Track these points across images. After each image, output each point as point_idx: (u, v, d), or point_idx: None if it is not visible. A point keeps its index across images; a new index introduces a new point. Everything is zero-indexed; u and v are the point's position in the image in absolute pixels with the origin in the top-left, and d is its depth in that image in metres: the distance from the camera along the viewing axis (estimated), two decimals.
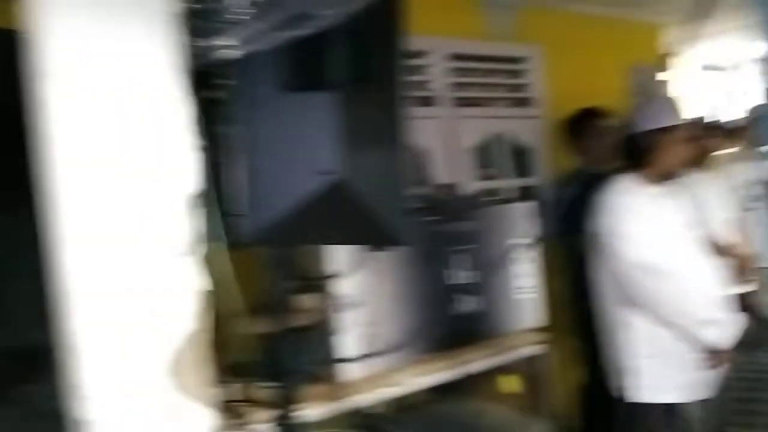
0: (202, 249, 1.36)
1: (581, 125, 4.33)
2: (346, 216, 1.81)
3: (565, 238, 3.86)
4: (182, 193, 1.29)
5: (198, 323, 1.35)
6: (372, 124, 1.84)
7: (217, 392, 1.35)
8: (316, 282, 2.42)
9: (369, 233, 1.85)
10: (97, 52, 1.21)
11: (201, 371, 1.36)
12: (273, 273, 2.04)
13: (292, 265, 2.18)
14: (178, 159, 1.30)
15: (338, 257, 2.44)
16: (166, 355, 1.28)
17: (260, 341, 2.13)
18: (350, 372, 2.49)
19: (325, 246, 2.35)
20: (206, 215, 1.36)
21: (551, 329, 3.19)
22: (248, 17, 1.51)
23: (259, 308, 2.07)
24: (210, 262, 1.39)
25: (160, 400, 1.28)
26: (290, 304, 2.24)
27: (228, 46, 1.57)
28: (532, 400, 3.16)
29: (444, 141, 3.93)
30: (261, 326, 2.08)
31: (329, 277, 2.44)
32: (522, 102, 4.41)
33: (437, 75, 3.94)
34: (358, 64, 1.80)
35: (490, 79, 4.27)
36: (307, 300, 2.38)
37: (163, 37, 1.27)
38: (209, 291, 1.37)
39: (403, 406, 2.67)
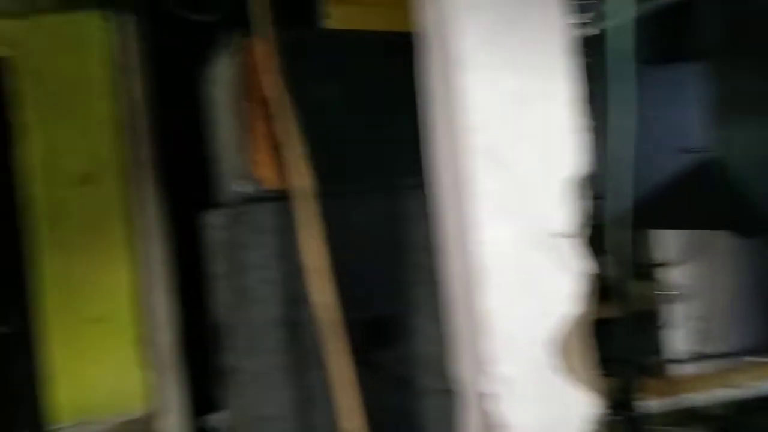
0: (586, 231, 1.35)
1: None
2: (713, 198, 1.65)
3: None
4: (569, 174, 1.29)
5: (582, 306, 1.34)
6: (747, 94, 1.65)
7: (600, 376, 1.33)
8: (648, 269, 2.28)
9: (739, 218, 1.67)
10: (497, 40, 1.25)
11: (585, 354, 1.34)
12: (612, 257, 1.95)
13: (630, 250, 2.07)
14: (566, 140, 1.30)
15: (672, 243, 2.27)
16: (553, 337, 1.29)
17: (597, 328, 2.06)
18: (683, 368, 2.31)
19: (663, 230, 2.19)
20: (587, 196, 1.34)
21: None
22: None
23: (595, 293, 1.99)
24: (593, 244, 1.38)
25: (547, 380, 1.30)
26: (625, 291, 2.13)
27: (592, 22, 1.51)
28: None
29: None
30: (598, 312, 2.01)
31: (662, 264, 2.28)
32: None
33: None
34: (730, 28, 1.62)
35: None
36: (638, 288, 2.25)
37: (555, 19, 1.28)
38: (593, 274, 1.35)
39: (743, 410, 2.40)
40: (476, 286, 1.25)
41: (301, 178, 1.97)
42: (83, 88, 2.54)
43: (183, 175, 2.56)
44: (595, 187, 1.53)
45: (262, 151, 2.01)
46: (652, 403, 2.17)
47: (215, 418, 2.40)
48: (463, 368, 1.34)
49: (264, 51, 2.04)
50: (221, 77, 2.17)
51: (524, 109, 1.27)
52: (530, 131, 1.29)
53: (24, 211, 2.55)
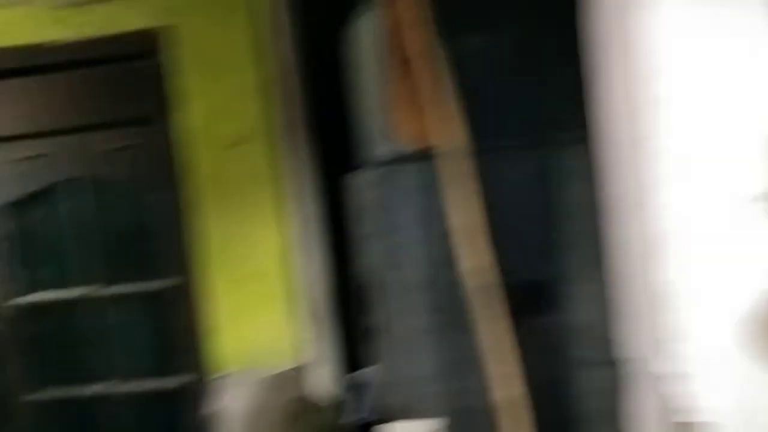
0: None
1: None
2: None
3: None
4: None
5: None
6: None
7: None
8: None
9: None
10: None
11: None
12: None
13: None
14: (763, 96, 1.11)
15: None
16: (749, 312, 1.13)
17: None
18: None
19: None
20: None
21: None
22: None
23: None
24: None
25: (739, 360, 1.14)
26: None
27: None
28: None
29: None
30: None
31: None
32: None
33: None
34: None
35: None
36: None
37: None
38: None
39: None
40: (656, 255, 1.12)
41: (452, 136, 1.89)
42: (235, 53, 2.59)
43: (331, 136, 2.57)
44: None
45: (408, 109, 1.95)
46: None
47: (365, 374, 2.43)
48: (637, 345, 1.22)
49: (410, 4, 1.95)
50: (365, 35, 2.12)
51: (718, 50, 1.10)
52: (725, 76, 1.11)
53: (184, 174, 2.69)
